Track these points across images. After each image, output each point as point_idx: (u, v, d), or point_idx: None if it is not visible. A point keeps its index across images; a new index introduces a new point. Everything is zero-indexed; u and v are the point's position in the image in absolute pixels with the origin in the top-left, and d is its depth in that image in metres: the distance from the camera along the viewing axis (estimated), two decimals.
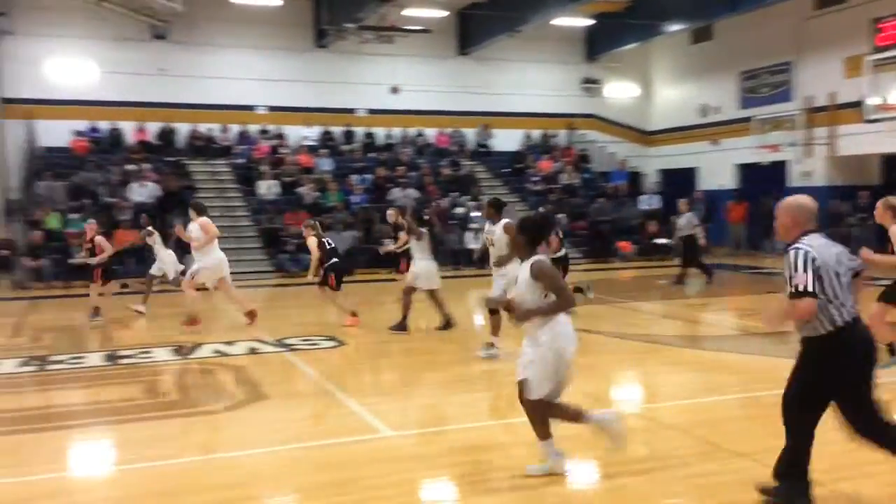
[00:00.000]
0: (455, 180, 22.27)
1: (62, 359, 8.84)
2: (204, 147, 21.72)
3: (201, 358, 8.84)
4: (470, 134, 24.68)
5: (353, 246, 18.44)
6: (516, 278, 4.96)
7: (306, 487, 4.89)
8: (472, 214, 19.77)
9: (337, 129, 23.39)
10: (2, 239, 17.87)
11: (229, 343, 9.51)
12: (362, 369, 8.70)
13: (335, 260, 10.58)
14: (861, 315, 4.05)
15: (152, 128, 21.60)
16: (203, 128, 22.02)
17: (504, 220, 8.34)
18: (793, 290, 3.85)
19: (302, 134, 22.86)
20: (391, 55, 22.51)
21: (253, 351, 9.21)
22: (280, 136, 22.65)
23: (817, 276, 3.85)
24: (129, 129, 21.44)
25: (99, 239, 11.54)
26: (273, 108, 22.83)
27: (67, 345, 9.95)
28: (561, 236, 11.49)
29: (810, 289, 3.81)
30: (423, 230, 9.93)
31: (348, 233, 18.85)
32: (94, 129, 21.14)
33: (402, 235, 11.39)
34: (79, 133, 20.82)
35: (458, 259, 18.81)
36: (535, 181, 23.15)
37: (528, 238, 4.82)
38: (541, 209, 19.18)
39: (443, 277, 10.35)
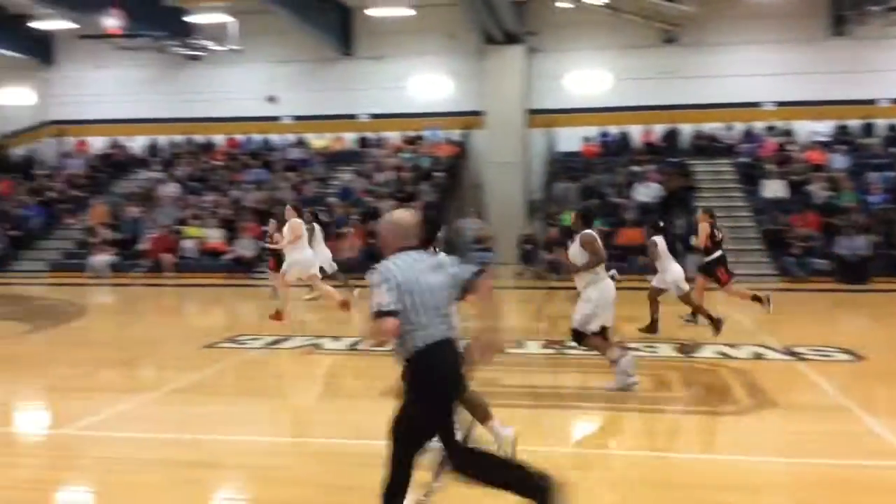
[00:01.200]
0: None
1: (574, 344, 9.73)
2: (707, 147, 21.75)
3: (704, 358, 8.92)
4: None
5: (869, 251, 16.69)
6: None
7: None
8: None
9: (853, 123, 21.38)
10: (527, 234, 20.26)
11: (733, 346, 9.41)
12: (887, 387, 7.86)
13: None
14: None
15: (657, 130, 22.37)
16: (707, 127, 22.08)
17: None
18: (374, 309, 3.62)
19: (812, 129, 21.40)
20: None
21: (758, 356, 8.98)
22: (788, 133, 21.55)
23: (400, 297, 3.64)
24: (636, 133, 22.55)
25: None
26: (781, 104, 21.78)
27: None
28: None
29: (387, 308, 3.62)
30: None
31: (864, 236, 17.12)
32: (604, 134, 22.70)
33: None
34: (586, 139, 22.58)
35: None
36: None
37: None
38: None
39: None
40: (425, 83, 23.92)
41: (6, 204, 23.00)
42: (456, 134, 23.61)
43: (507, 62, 22.53)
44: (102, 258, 20.01)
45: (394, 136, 24.19)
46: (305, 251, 11.23)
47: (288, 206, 11.43)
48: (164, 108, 24.95)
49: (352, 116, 24.39)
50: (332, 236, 17.72)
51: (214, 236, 20.48)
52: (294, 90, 24.49)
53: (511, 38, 22.24)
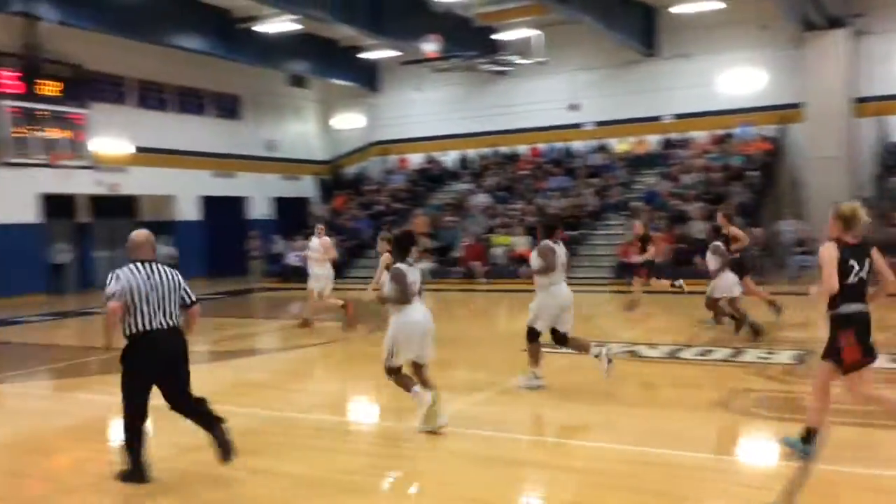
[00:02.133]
0: None
1: None
2: None
3: None
4: None
5: None
6: None
7: None
8: None
9: None
10: None
11: None
12: None
13: None
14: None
15: None
16: None
17: None
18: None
19: None
20: None
21: None
22: None
23: (124, 293, 5.31)
24: None
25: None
26: None
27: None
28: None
29: (108, 296, 5.35)
30: None
31: None
32: None
33: None
34: None
35: None
36: None
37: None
38: None
39: None
40: (735, 79, 22.80)
41: (341, 217, 25.83)
42: (770, 130, 22.17)
43: (830, 48, 20.69)
44: (423, 265, 21.66)
45: (701, 135, 23.34)
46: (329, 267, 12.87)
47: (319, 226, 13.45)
48: (473, 124, 26.43)
49: (655, 118, 23.95)
50: (628, 243, 17.48)
51: (521, 243, 21.22)
52: (596, 96, 24.64)
53: (834, 23, 20.39)
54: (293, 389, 7.74)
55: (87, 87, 20.84)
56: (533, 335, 7.90)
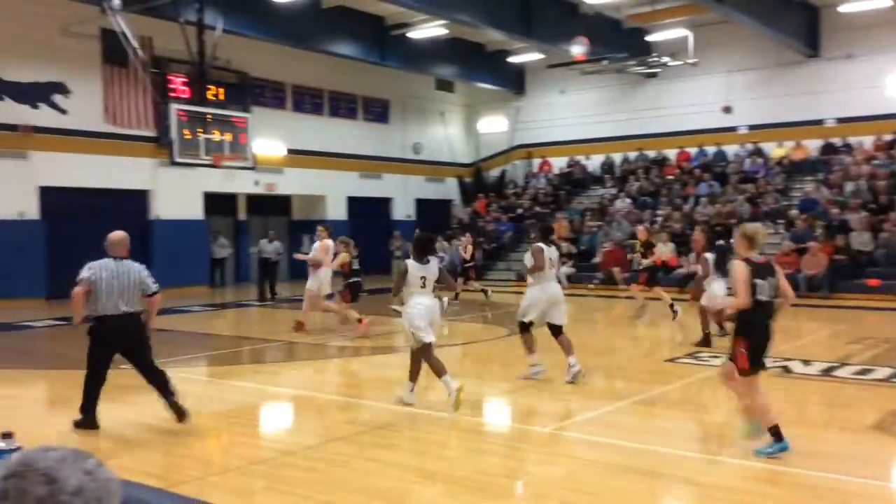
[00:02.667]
0: None
1: None
2: None
3: None
4: None
5: None
6: None
7: None
8: None
9: None
10: None
11: None
12: None
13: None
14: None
15: None
16: None
17: None
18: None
19: None
20: None
21: None
22: None
23: (90, 281, 6.52)
24: None
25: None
26: None
27: None
28: None
29: (77, 281, 6.56)
30: None
31: None
32: None
33: None
34: None
35: None
36: None
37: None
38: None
39: None
40: None
41: (482, 220, 26.03)
42: None
43: None
44: (562, 269, 21.48)
45: (866, 140, 21.84)
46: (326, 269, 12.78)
47: (320, 228, 13.29)
48: (619, 127, 25.94)
49: (816, 122, 22.66)
50: (793, 251, 16.58)
51: (665, 250, 20.60)
52: (750, 98, 23.61)
53: None
54: (429, 387, 7.88)
55: (249, 91, 22.14)
56: (524, 328, 8.69)
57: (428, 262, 7.57)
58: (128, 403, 7.93)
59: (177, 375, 9.62)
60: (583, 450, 6.27)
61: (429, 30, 22.37)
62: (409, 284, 7.45)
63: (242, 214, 24.10)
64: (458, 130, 30.26)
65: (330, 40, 21.79)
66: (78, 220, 18.55)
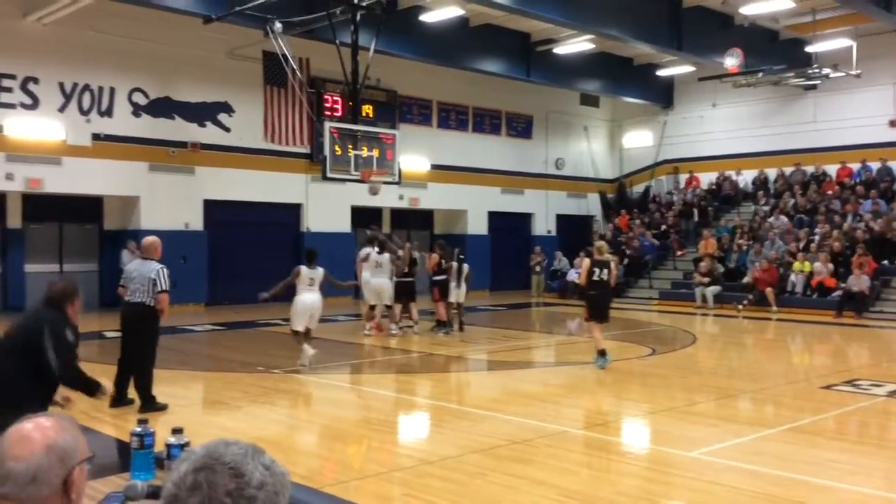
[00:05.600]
0: None
1: None
2: None
3: None
4: None
5: None
6: None
7: None
8: None
9: None
10: None
11: None
12: None
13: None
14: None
15: None
16: None
17: None
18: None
19: None
20: None
21: None
22: None
23: (123, 278, 8.20)
24: None
25: None
26: None
27: None
28: None
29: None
30: None
31: None
32: None
33: None
34: None
35: None
36: None
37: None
38: None
39: None
40: None
41: (624, 236, 25.52)
42: None
43: None
44: (709, 288, 20.70)
45: None
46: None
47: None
48: (774, 141, 24.80)
49: None
50: None
51: (823, 270, 19.45)
52: None
53: None
54: (566, 404, 7.82)
55: (397, 109, 22.80)
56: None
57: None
58: (276, 405, 8.35)
59: (321, 383, 9.99)
60: (730, 476, 6.02)
61: (575, 45, 22.24)
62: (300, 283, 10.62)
63: (386, 228, 24.80)
64: (601, 145, 29.86)
65: (477, 58, 22.10)
66: (236, 232, 19.72)
